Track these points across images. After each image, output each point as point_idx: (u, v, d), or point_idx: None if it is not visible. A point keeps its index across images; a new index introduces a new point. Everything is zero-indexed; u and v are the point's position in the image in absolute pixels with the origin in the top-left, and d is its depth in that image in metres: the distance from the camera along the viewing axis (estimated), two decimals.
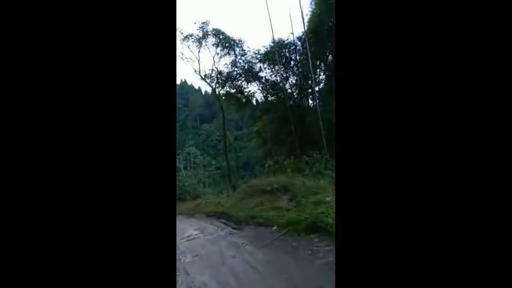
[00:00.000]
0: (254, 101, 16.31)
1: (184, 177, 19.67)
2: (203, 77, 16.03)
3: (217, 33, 14.95)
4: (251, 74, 14.93)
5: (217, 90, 16.31)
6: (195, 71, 16.14)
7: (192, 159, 27.48)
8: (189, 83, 57.90)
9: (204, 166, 27.12)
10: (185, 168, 26.66)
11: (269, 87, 14.81)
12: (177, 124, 47.75)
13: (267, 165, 17.87)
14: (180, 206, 13.02)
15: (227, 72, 15.42)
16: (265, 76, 15.01)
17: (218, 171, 24.55)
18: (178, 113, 52.91)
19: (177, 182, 18.13)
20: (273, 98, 14.93)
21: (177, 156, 26.81)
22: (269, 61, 14.03)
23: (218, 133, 32.98)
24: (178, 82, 58.85)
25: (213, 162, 31.03)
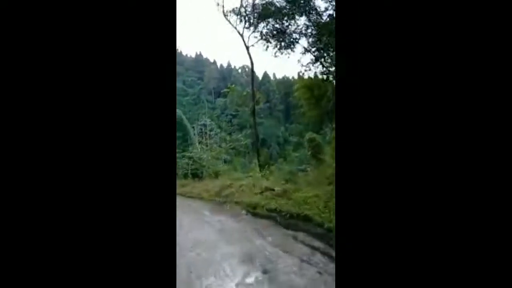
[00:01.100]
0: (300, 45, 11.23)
1: (200, 151, 15.22)
2: (227, 14, 11.09)
3: None
4: (297, 7, 9.93)
5: (246, 34, 11.37)
6: (218, 4, 11.20)
7: (208, 132, 23.06)
8: (204, 56, 52.55)
9: (220, 140, 22.67)
10: (200, 142, 22.25)
11: (323, 23, 9.80)
12: (191, 98, 43.75)
13: (307, 137, 12.98)
14: (195, 186, 8.81)
15: (262, 5, 10.45)
16: (317, 8, 9.96)
17: (244, 142, 19.81)
18: (192, 87, 48.61)
19: (191, 156, 14.07)
20: (329, 38, 9.92)
21: (191, 129, 22.65)
22: None
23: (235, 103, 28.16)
24: (193, 54, 53.52)
25: (227, 138, 26.49)
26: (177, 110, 22.42)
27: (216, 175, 10.90)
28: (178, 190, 9.95)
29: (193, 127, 22.99)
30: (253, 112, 11.62)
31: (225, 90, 28.01)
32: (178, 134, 22.30)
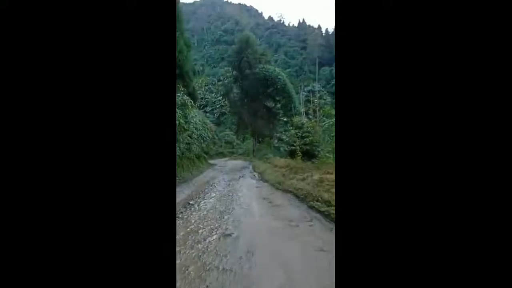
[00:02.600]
0: None
1: (307, 123, 10.08)
2: None
3: None
4: None
5: None
6: None
7: (317, 100, 17.63)
8: (308, 23, 45.76)
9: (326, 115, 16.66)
10: (307, 113, 17.00)
11: None
12: (293, 70, 38.82)
13: None
14: (330, 183, 4.17)
15: None
16: None
17: None
18: (294, 58, 43.32)
19: (301, 125, 9.57)
20: None
21: (295, 96, 17.92)
22: None
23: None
24: (295, 23, 47.69)
25: (333, 113, 19.89)
26: (282, 73, 18.03)
27: None
28: (282, 185, 4.97)
29: (297, 95, 18.21)
30: None
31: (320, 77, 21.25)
32: (280, 102, 18.14)
